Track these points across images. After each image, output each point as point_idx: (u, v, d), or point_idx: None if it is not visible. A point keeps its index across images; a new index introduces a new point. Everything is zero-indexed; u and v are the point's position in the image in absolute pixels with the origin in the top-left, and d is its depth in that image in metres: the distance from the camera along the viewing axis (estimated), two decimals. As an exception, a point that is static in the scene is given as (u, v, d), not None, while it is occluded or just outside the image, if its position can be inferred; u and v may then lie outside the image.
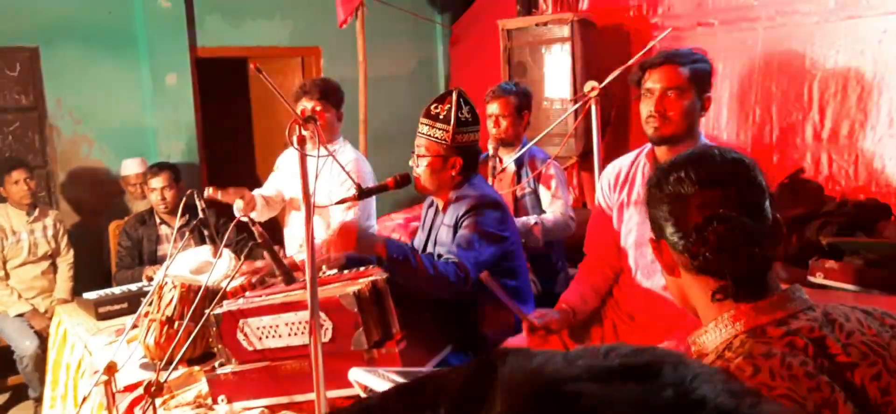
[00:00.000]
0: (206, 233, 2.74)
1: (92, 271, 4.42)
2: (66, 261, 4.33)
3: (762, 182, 1.18)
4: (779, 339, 1.12)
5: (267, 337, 2.18)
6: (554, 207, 3.22)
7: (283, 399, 2.17)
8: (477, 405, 0.46)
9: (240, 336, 2.21)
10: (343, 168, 2.26)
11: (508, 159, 3.26)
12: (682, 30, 4.05)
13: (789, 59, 3.81)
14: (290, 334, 2.15)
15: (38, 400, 3.87)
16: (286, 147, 3.51)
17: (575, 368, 0.46)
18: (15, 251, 4.15)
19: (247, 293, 2.48)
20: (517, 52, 4.72)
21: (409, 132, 2.46)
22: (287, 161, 3.48)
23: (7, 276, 4.16)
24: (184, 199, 2.67)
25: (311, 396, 1.88)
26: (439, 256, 2.40)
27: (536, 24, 4.63)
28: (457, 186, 2.43)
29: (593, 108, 2.85)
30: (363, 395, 1.78)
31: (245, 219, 2.35)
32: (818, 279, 3.05)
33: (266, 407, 2.17)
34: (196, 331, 2.17)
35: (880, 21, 3.44)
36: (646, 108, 2.18)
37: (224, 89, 6.05)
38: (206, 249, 2.83)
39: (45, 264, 4.27)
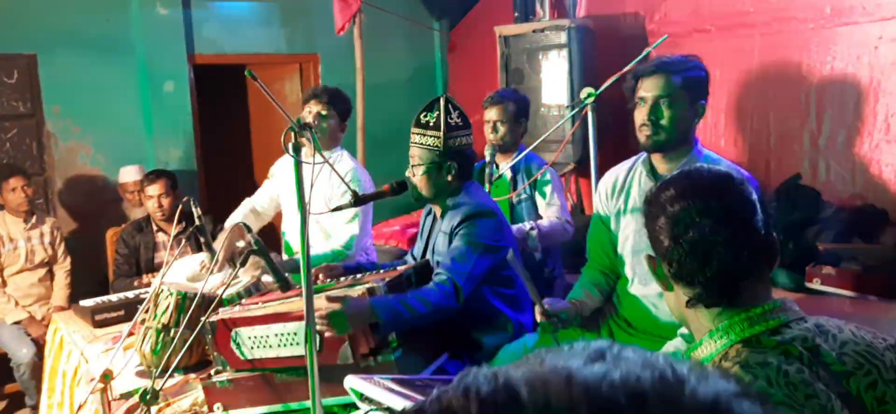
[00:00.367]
0: (202, 240, 2.73)
1: (89, 278, 4.42)
2: (63, 268, 4.32)
3: (750, 197, 1.21)
4: (773, 348, 1.13)
5: (258, 347, 2.18)
6: (549, 212, 3.22)
7: (279, 407, 2.16)
8: None
9: (233, 345, 2.21)
10: (341, 177, 2.26)
11: (505, 166, 3.26)
12: (678, 36, 4.05)
13: (786, 65, 3.81)
14: (280, 345, 2.14)
15: (35, 408, 3.86)
16: (283, 154, 3.50)
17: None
18: (12, 258, 4.15)
19: (243, 300, 2.48)
20: (514, 58, 4.73)
21: (407, 138, 2.46)
22: (282, 168, 3.48)
23: (4, 283, 4.16)
24: (180, 206, 2.67)
25: (307, 403, 1.87)
26: (437, 263, 2.40)
27: (534, 31, 4.64)
28: (453, 193, 2.43)
29: (590, 114, 2.85)
30: (358, 403, 1.77)
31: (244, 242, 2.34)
32: (815, 285, 3.06)
33: (262, 415, 2.16)
34: (191, 339, 2.17)
35: (876, 27, 3.45)
36: (639, 116, 2.19)
37: (222, 97, 6.05)
38: (203, 257, 2.83)
39: (42, 272, 4.27)
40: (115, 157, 4.83)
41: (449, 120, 2.38)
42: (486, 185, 3.09)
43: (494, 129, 3.32)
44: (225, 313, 2.27)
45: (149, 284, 3.63)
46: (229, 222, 3.29)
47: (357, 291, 2.13)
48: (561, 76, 4.50)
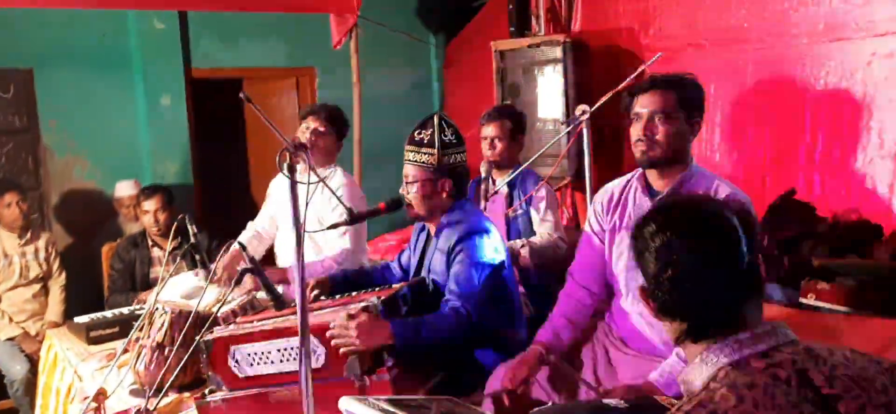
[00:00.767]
0: (197, 257, 2.73)
1: (84, 294, 4.40)
2: (57, 283, 4.31)
3: (729, 229, 1.22)
4: (762, 370, 1.14)
5: (258, 363, 2.18)
6: (542, 229, 3.22)
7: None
8: None
9: (231, 363, 2.20)
10: (334, 194, 2.26)
11: (501, 182, 3.27)
12: (673, 51, 4.06)
13: (780, 80, 3.83)
14: (282, 361, 2.15)
15: (29, 424, 3.84)
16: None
17: None
18: (6, 274, 4.13)
19: (238, 319, 2.47)
20: (510, 72, 4.75)
21: (403, 152, 2.47)
22: (278, 187, 3.50)
23: (-1, 299, 4.14)
24: (175, 223, 2.67)
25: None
26: (433, 281, 2.40)
27: (529, 46, 4.66)
28: (448, 210, 2.44)
29: (585, 131, 2.86)
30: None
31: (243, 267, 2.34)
32: (810, 300, 3.05)
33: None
34: (187, 358, 2.16)
35: (869, 43, 3.46)
36: (634, 132, 2.20)
37: (219, 111, 6.05)
38: (198, 274, 2.82)
39: (37, 287, 4.25)
40: (111, 172, 4.83)
41: (443, 137, 2.38)
42: (483, 202, 3.09)
43: (492, 146, 3.33)
44: (222, 331, 2.26)
45: (145, 301, 3.62)
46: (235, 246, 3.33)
47: (352, 308, 2.13)
48: (556, 91, 4.51)
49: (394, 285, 2.51)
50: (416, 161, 2.41)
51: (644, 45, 4.43)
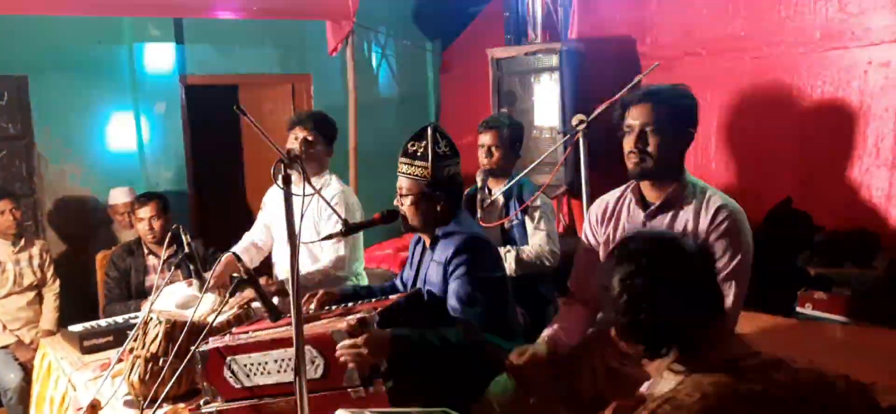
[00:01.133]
0: (192, 267, 2.71)
1: (78, 302, 4.37)
2: (52, 291, 4.28)
3: (683, 257, 1.35)
4: (725, 373, 1.24)
5: (256, 374, 2.16)
6: (535, 239, 3.20)
7: (269, 438, 2.14)
8: None
9: (227, 373, 2.19)
10: (329, 204, 2.25)
11: (497, 191, 3.26)
12: (670, 59, 4.07)
13: (777, 88, 3.83)
14: (279, 371, 2.13)
15: (22, 434, 3.81)
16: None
17: None
18: (0, 282, 4.11)
19: (233, 329, 2.46)
20: (507, 80, 4.74)
21: (398, 164, 2.45)
22: (272, 198, 3.49)
23: (-8, 307, 4.11)
24: (170, 232, 2.65)
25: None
26: (429, 292, 2.39)
27: (525, 54, 4.66)
28: (443, 222, 2.42)
29: (581, 140, 2.86)
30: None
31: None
32: (807, 310, 3.06)
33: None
34: (181, 369, 2.14)
35: (865, 52, 3.48)
36: (627, 144, 2.20)
37: (214, 117, 6.03)
38: (192, 284, 2.80)
39: (31, 295, 4.22)
40: (105, 179, 4.80)
41: (437, 149, 2.37)
42: (479, 211, 3.08)
43: (489, 154, 3.32)
44: (218, 342, 2.25)
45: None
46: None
47: (351, 319, 2.12)
48: (552, 99, 4.51)
49: (391, 297, 2.49)
50: (409, 174, 2.39)
51: (641, 52, 4.44)
